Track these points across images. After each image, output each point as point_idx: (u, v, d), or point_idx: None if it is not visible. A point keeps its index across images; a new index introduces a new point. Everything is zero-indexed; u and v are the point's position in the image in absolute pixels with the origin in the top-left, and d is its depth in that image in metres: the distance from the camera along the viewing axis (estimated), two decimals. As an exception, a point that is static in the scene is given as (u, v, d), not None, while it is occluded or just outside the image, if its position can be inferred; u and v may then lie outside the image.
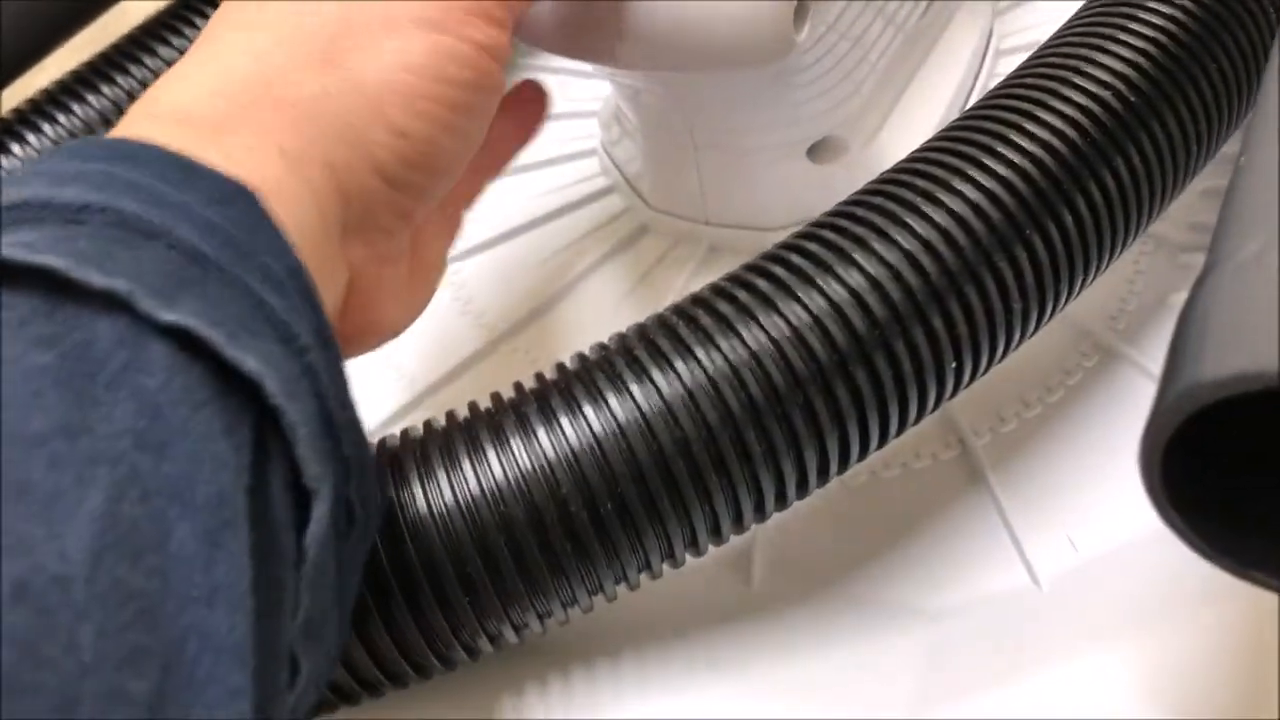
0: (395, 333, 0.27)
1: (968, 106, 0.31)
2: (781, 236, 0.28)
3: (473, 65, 0.24)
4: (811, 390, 0.25)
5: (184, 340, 0.18)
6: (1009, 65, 0.34)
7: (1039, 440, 0.32)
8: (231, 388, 0.18)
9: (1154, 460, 0.17)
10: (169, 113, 0.22)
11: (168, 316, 0.17)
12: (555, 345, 0.38)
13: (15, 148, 0.38)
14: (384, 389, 0.37)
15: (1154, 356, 0.32)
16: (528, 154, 0.45)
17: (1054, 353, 0.33)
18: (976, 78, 0.41)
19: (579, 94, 0.46)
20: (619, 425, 0.24)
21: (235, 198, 0.20)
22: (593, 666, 0.28)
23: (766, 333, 0.25)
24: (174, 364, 0.17)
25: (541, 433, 0.24)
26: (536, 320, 0.39)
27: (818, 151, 0.37)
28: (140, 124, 0.22)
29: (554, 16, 0.31)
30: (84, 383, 0.16)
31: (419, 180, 0.24)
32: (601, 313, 0.38)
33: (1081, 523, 0.30)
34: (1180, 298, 0.19)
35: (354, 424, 0.21)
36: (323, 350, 0.20)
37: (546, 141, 0.45)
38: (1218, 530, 0.18)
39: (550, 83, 0.48)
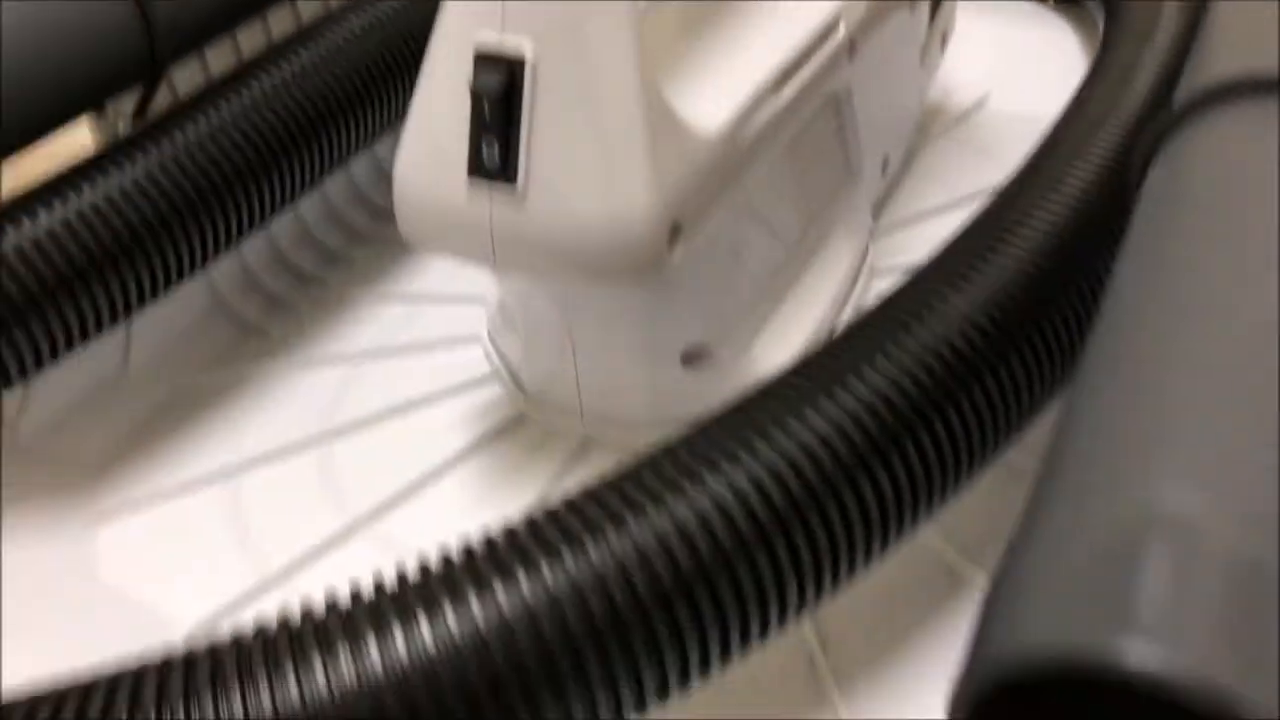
0: None
1: (840, 324, 0.33)
2: (652, 435, 0.28)
3: None
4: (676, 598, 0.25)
5: None
6: (884, 284, 0.36)
7: (885, 663, 0.32)
8: None
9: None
10: None
11: None
12: (420, 532, 0.38)
13: None
14: (231, 569, 0.36)
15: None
16: (412, 332, 0.45)
17: (906, 575, 0.34)
18: (850, 295, 0.43)
19: (471, 278, 0.47)
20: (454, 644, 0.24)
21: None
22: None
23: (613, 552, 0.25)
24: None
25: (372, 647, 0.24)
26: (401, 505, 0.38)
27: (691, 358, 0.38)
28: None
29: (436, 219, 0.32)
30: None
31: None
32: (468, 500, 0.38)
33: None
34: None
35: None
36: None
37: (433, 323, 0.45)
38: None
39: (445, 266, 0.49)
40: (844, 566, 0.28)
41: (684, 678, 0.26)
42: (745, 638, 0.27)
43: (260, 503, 0.39)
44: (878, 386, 0.29)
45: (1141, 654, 0.15)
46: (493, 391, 0.42)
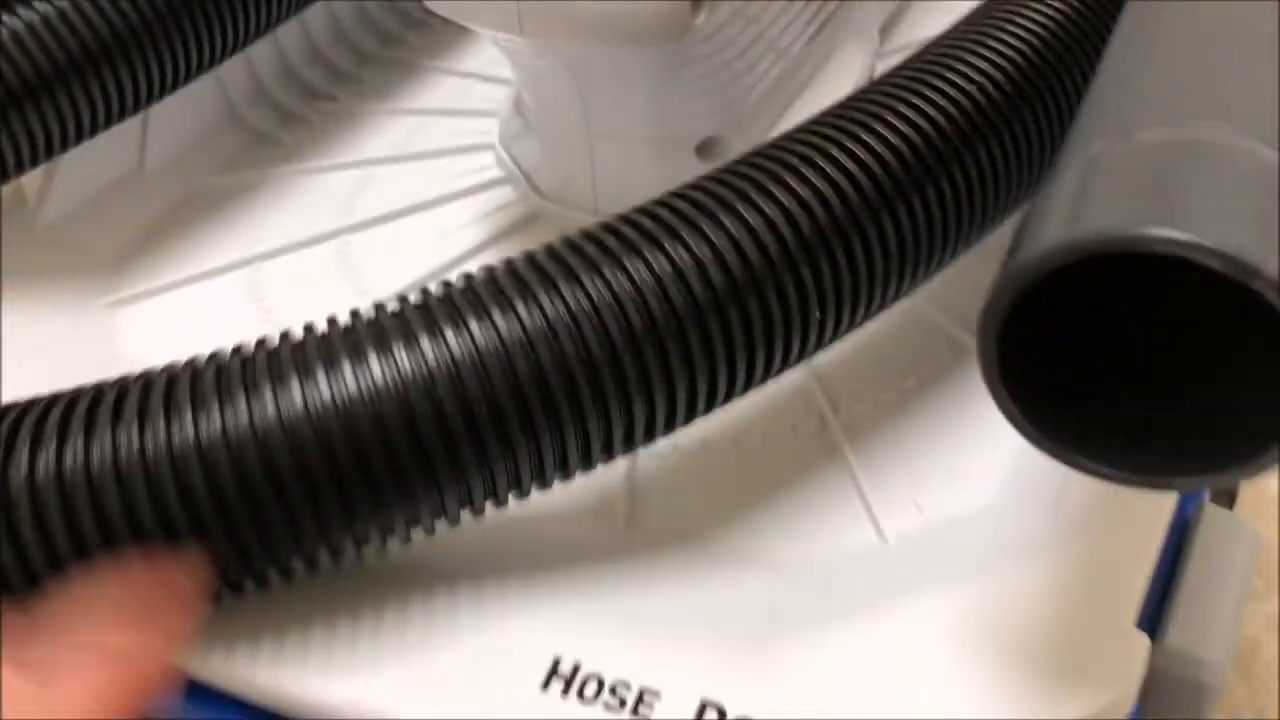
0: None
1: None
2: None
3: None
4: (687, 324, 0.26)
5: None
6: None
7: (892, 419, 0.34)
8: None
9: (991, 338, 0.19)
10: None
11: None
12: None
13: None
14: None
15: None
16: (424, 143, 0.46)
17: (910, 347, 0.35)
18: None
19: (482, 95, 0.47)
20: (501, 341, 0.25)
21: None
22: (455, 590, 0.28)
23: (610, 286, 0.26)
24: None
25: (425, 343, 0.25)
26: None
27: (705, 150, 0.39)
28: None
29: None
30: None
31: None
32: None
33: (928, 491, 0.31)
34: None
35: None
36: None
37: (444, 135, 0.46)
38: (1051, 422, 0.20)
39: (453, 85, 0.50)
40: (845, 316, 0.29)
41: (690, 409, 0.28)
42: (750, 374, 0.28)
43: (281, 287, 0.40)
44: (889, 141, 0.30)
45: (1178, 234, 0.17)
46: (506, 193, 0.43)
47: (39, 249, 0.40)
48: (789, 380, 0.35)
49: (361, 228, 0.42)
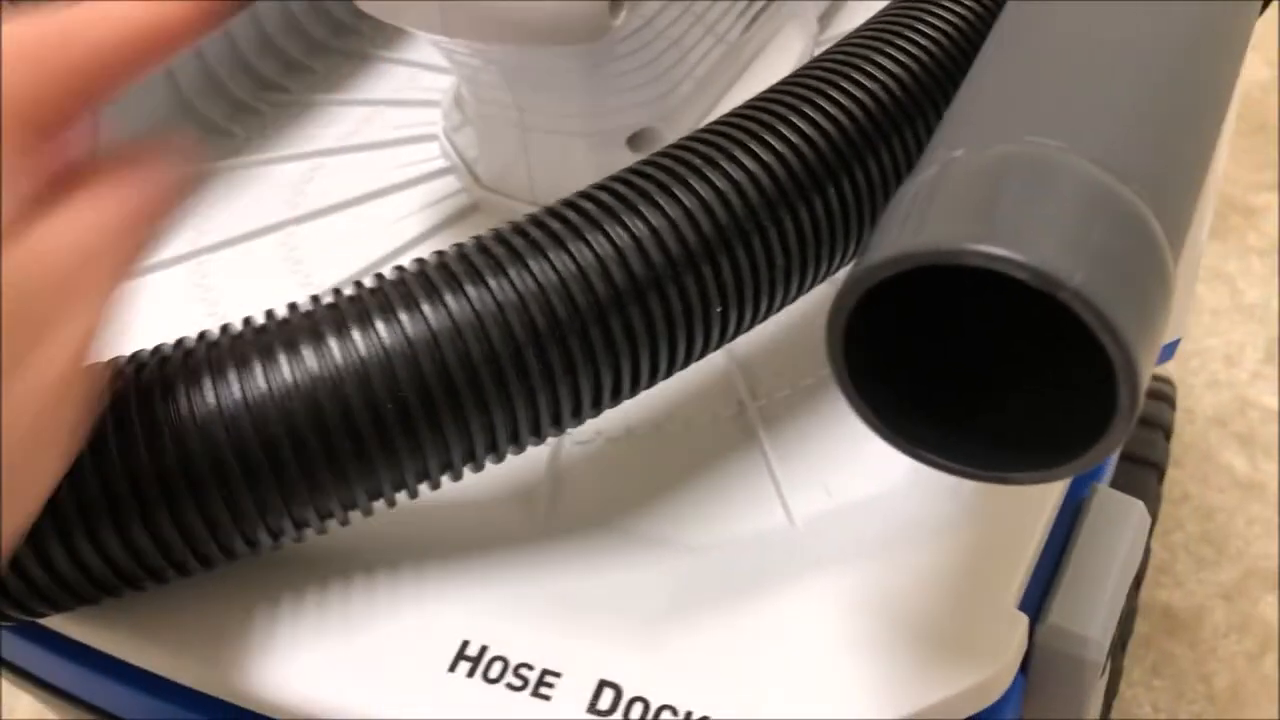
0: None
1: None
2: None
3: None
4: (589, 321, 0.27)
5: None
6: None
7: (808, 405, 0.35)
8: None
9: (836, 332, 0.20)
10: None
11: None
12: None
13: None
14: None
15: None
16: (372, 134, 0.47)
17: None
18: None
19: (428, 85, 0.48)
20: (407, 339, 0.26)
21: None
22: (373, 575, 0.29)
23: (535, 277, 0.27)
24: None
25: (333, 343, 0.26)
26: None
27: (637, 141, 0.40)
28: None
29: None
30: None
31: None
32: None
33: (837, 475, 0.32)
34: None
35: None
36: None
37: (392, 125, 0.47)
38: (901, 416, 0.21)
39: (404, 75, 0.51)
40: (765, 299, 0.30)
41: (616, 388, 0.29)
42: (672, 357, 0.29)
43: (227, 280, 0.41)
44: (790, 141, 0.30)
45: (991, 248, 0.18)
46: (449, 183, 0.44)
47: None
48: (713, 367, 0.36)
49: (308, 219, 0.43)
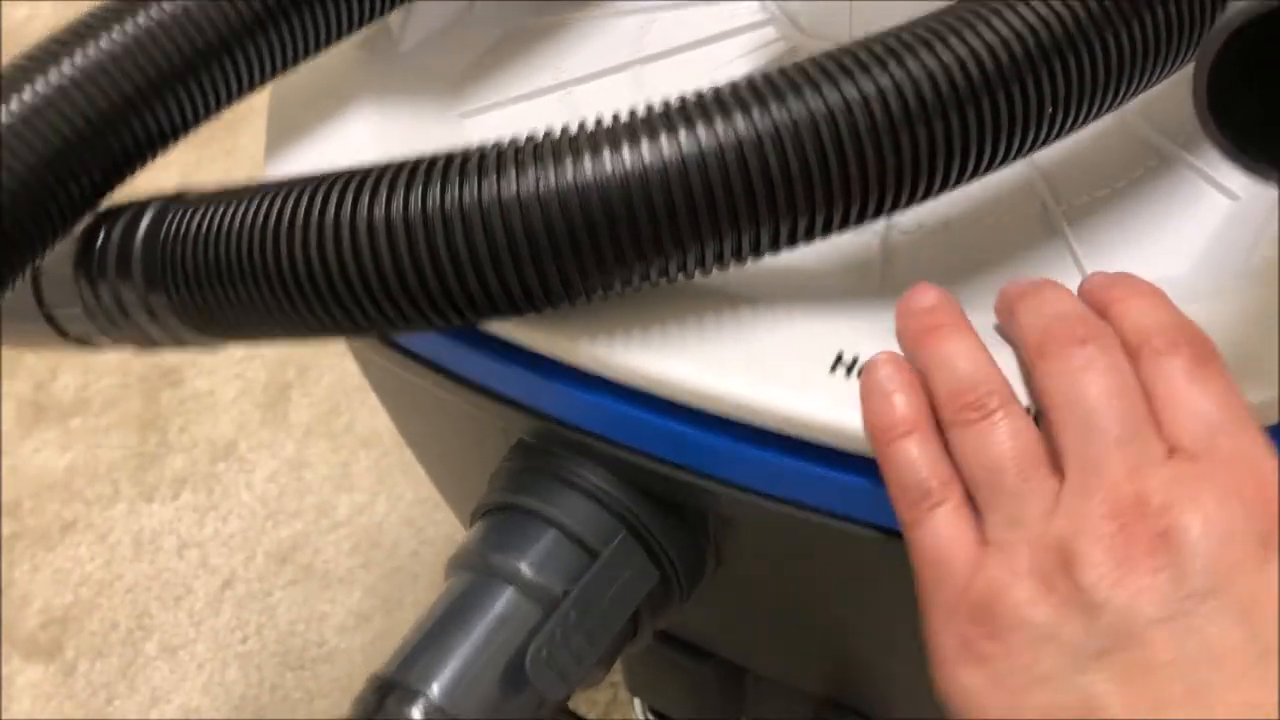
0: None
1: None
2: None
3: None
4: (948, 108, 0.34)
5: None
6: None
7: (1103, 210, 0.40)
8: None
9: (1202, 75, 0.26)
10: None
11: None
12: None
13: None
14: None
15: (1211, 163, 0.41)
16: (698, -8, 0.54)
17: (1123, 155, 0.42)
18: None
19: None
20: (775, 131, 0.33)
21: None
22: (754, 302, 0.37)
23: (881, 81, 0.34)
24: None
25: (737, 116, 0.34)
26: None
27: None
28: None
29: None
30: None
31: None
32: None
33: (1135, 265, 0.38)
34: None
35: None
36: None
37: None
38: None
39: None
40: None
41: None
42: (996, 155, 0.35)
43: (591, 107, 0.49)
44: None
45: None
46: (767, 34, 0.50)
47: (400, 72, 0.50)
48: (1016, 178, 0.42)
49: (651, 60, 0.50)
